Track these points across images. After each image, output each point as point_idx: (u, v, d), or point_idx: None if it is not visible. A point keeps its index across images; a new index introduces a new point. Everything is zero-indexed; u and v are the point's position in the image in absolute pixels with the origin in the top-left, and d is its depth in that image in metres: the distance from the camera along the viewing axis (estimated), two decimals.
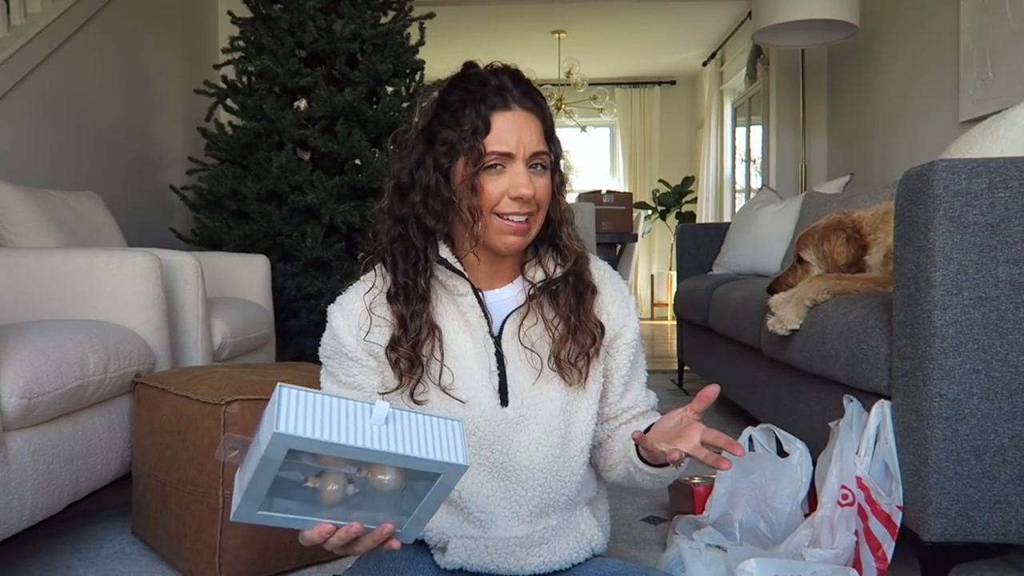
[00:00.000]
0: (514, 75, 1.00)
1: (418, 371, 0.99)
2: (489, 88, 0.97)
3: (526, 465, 1.00)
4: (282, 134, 3.25)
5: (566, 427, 1.02)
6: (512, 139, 0.96)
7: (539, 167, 0.99)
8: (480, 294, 1.02)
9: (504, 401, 1.00)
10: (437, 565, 1.03)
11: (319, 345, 1.04)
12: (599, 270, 1.10)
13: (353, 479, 0.77)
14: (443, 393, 0.99)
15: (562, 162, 1.05)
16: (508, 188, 0.96)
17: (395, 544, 0.79)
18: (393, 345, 0.99)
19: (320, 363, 1.05)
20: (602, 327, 1.04)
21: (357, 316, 1.01)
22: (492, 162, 0.96)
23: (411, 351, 0.98)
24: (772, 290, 2.06)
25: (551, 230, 1.04)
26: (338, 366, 1.02)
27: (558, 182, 1.02)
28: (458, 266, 1.00)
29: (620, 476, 1.07)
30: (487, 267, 1.03)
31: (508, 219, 0.97)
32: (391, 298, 1.00)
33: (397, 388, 0.99)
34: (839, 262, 1.90)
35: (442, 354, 1.00)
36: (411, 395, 0.99)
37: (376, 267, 1.04)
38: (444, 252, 1.00)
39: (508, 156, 0.96)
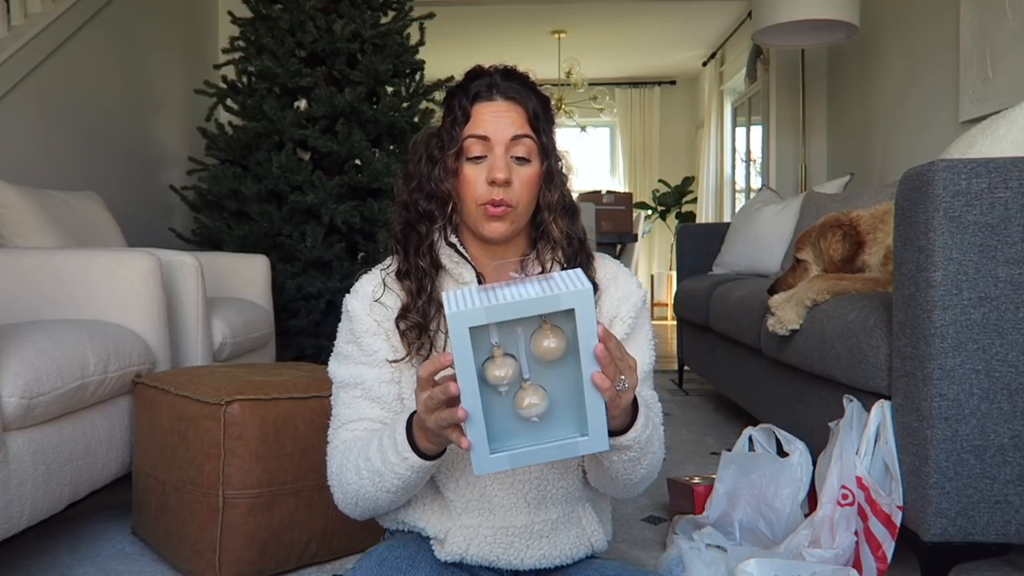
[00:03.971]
0: (505, 71, 1.04)
1: (426, 343, 1.01)
2: (476, 83, 1.02)
3: None
4: (282, 134, 3.25)
5: None
6: (489, 125, 0.99)
7: (523, 159, 1.00)
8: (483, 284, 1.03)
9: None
10: (438, 561, 1.03)
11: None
12: (608, 269, 1.09)
13: (518, 385, 0.82)
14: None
15: (561, 158, 1.06)
16: (486, 174, 0.99)
17: (461, 413, 0.79)
18: (403, 313, 1.03)
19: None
20: None
21: (371, 290, 1.06)
22: (472, 149, 1.00)
23: (420, 319, 1.01)
24: (772, 290, 2.06)
25: (542, 222, 1.05)
26: (356, 348, 1.04)
27: (546, 171, 1.03)
28: (466, 253, 1.04)
29: (593, 470, 1.04)
30: (490, 261, 1.05)
31: (487, 206, 0.99)
32: (400, 275, 1.05)
33: (406, 356, 1.02)
34: (834, 259, 1.90)
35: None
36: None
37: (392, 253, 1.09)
38: (454, 239, 1.04)
39: (486, 142, 0.99)
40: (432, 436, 0.87)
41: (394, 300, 1.04)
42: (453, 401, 0.80)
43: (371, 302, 1.04)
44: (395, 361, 1.02)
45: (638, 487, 1.03)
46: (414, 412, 0.89)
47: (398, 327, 1.02)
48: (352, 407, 1.03)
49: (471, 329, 0.78)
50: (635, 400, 0.90)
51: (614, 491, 1.05)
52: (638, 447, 0.92)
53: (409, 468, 0.92)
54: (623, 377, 0.82)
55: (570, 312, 0.78)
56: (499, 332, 0.81)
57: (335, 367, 1.07)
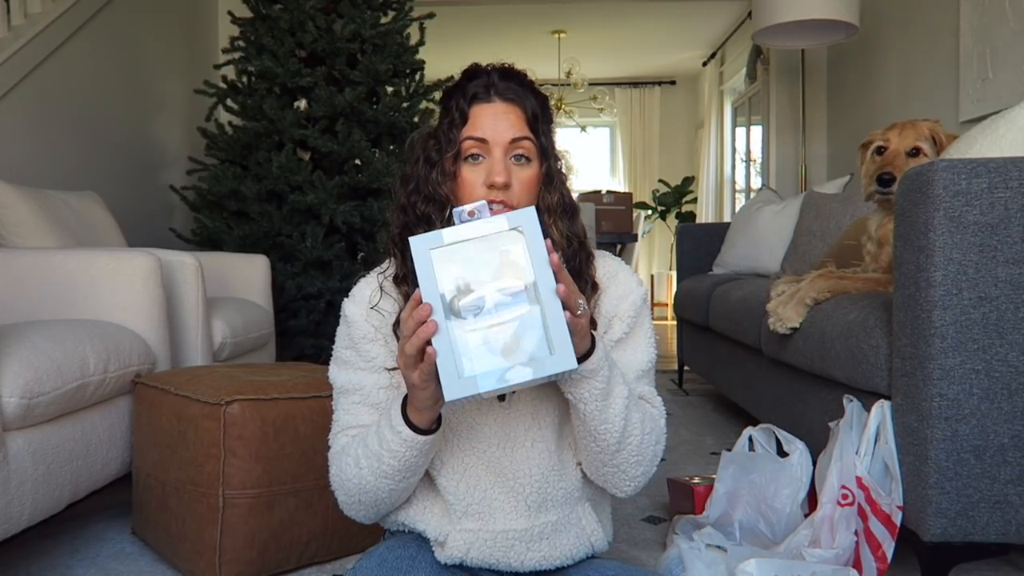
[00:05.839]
0: (503, 71, 1.03)
1: None
2: (473, 83, 1.01)
3: (522, 460, 1.01)
4: (282, 134, 3.25)
5: (560, 423, 1.03)
6: (487, 127, 0.99)
7: (522, 158, 1.00)
8: None
9: (501, 396, 1.01)
10: (438, 563, 1.03)
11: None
12: (608, 267, 1.09)
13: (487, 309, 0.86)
14: None
15: (560, 158, 1.05)
16: (485, 177, 0.98)
17: (430, 351, 0.83)
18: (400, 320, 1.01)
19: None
20: (593, 323, 1.04)
21: (368, 294, 1.05)
22: (470, 150, 0.99)
23: None
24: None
25: (541, 223, 1.04)
26: (354, 354, 1.04)
27: (546, 172, 1.02)
28: None
29: (581, 448, 1.02)
30: None
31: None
32: (398, 280, 1.04)
33: None
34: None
35: None
36: None
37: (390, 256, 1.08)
38: None
39: (484, 144, 0.99)
40: (414, 389, 0.88)
41: (392, 305, 1.04)
42: (425, 329, 0.83)
43: (368, 308, 1.04)
44: (393, 369, 1.02)
45: (625, 465, 0.99)
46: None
47: (396, 334, 1.02)
48: (351, 413, 1.03)
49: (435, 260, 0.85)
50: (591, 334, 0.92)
51: (606, 473, 1.01)
52: (603, 375, 0.92)
53: (403, 443, 0.92)
54: (581, 302, 0.86)
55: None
56: (464, 270, 0.86)
57: (335, 372, 1.06)
